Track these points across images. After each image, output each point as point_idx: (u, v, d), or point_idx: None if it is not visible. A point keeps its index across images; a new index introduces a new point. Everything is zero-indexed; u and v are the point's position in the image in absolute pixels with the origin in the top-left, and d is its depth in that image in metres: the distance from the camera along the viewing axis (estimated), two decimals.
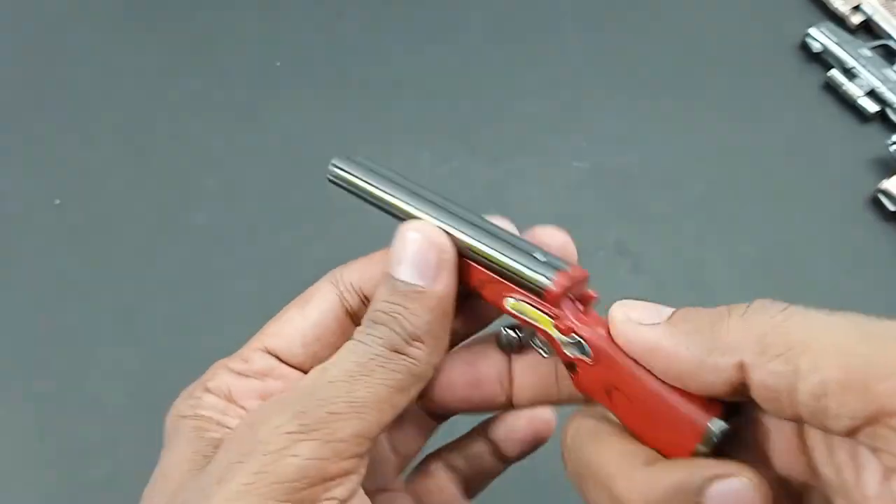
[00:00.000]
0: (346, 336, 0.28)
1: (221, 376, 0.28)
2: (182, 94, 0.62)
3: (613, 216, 0.57)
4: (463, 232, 0.27)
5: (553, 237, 0.28)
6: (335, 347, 0.27)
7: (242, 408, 0.27)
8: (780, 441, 0.23)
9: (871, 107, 0.61)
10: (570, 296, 0.26)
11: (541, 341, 0.27)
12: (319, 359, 0.27)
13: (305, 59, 0.64)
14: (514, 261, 0.26)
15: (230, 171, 0.58)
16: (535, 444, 0.33)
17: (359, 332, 0.27)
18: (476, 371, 0.29)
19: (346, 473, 0.24)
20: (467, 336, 0.30)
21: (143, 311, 0.52)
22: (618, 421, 0.25)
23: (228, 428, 0.27)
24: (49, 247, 0.55)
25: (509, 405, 0.29)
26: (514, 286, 0.26)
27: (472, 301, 0.29)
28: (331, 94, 0.62)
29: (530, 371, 0.28)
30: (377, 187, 0.29)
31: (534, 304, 0.26)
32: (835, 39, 0.64)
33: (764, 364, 0.20)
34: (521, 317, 0.26)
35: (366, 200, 0.30)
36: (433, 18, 0.67)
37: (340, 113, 0.61)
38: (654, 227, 0.57)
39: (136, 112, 0.61)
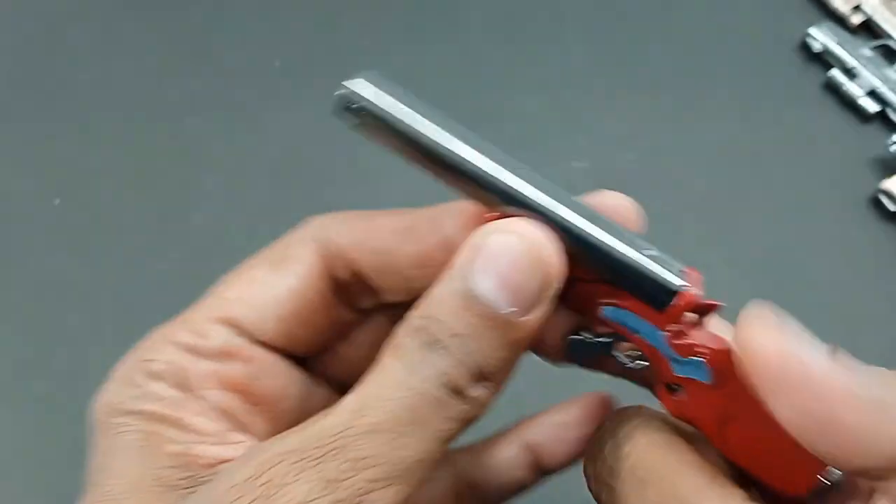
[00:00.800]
0: (328, 316, 0.22)
1: (168, 354, 0.22)
2: (182, 94, 0.62)
3: None
4: (573, 223, 0.20)
5: (621, 208, 0.22)
6: (315, 329, 0.22)
7: (202, 398, 0.21)
8: None
9: (872, 107, 0.61)
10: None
11: (630, 353, 0.22)
12: (295, 340, 0.22)
13: (305, 59, 0.64)
14: (638, 262, 0.21)
15: (230, 171, 0.58)
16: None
17: (406, 352, 0.19)
18: None
19: None
20: None
21: (143, 311, 0.52)
22: (686, 433, 0.21)
23: (193, 434, 0.20)
24: (49, 247, 0.55)
25: None
26: (624, 291, 0.21)
27: None
28: (331, 94, 0.62)
29: None
30: (439, 137, 0.18)
31: (643, 313, 0.20)
32: (835, 39, 0.64)
33: None
34: (621, 327, 0.21)
35: (409, 154, 0.19)
36: (433, 18, 0.67)
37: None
38: (654, 227, 0.57)
39: (136, 112, 0.61)
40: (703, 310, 0.21)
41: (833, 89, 0.63)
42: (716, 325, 0.21)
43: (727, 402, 0.19)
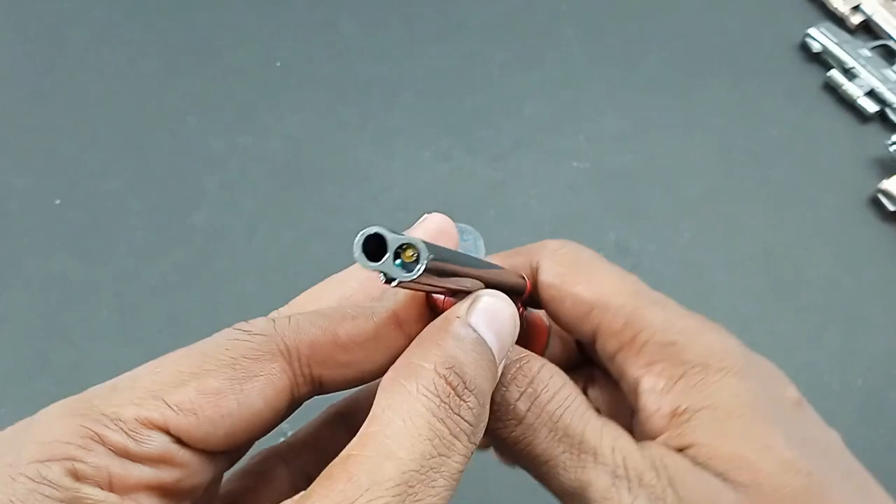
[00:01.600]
0: (273, 426, 0.22)
1: (96, 456, 0.19)
2: (182, 94, 0.62)
3: (613, 216, 0.57)
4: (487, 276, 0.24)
5: (435, 222, 0.26)
6: (256, 437, 0.22)
7: (132, 501, 0.19)
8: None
9: (871, 107, 0.61)
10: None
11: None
12: (233, 447, 0.21)
13: (305, 59, 0.64)
14: (507, 279, 0.26)
15: (230, 171, 0.58)
16: None
17: (431, 391, 0.20)
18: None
19: None
20: None
21: (143, 311, 0.52)
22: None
23: None
24: (49, 247, 0.55)
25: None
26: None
27: None
28: (331, 94, 0.62)
29: None
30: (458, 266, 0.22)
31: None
32: (835, 39, 0.64)
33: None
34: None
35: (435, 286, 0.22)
36: (433, 18, 0.67)
37: (340, 113, 0.61)
38: (654, 227, 0.57)
39: (136, 112, 0.61)
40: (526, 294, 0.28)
41: (832, 89, 0.63)
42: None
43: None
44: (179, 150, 0.59)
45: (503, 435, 0.24)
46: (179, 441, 0.20)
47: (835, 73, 0.63)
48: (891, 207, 0.57)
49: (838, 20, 0.66)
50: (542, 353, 0.28)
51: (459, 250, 0.25)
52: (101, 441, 0.19)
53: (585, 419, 0.24)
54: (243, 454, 0.24)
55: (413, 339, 0.22)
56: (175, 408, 0.20)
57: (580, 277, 0.28)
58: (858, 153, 0.61)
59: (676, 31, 0.67)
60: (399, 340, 0.23)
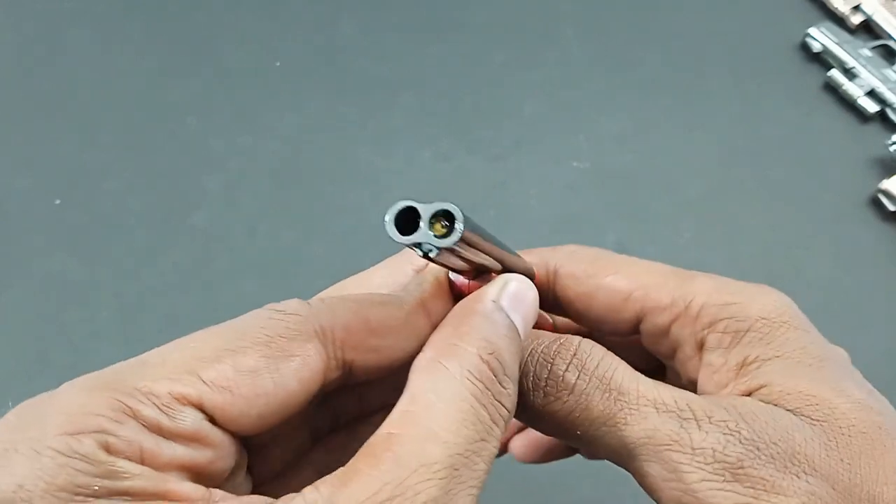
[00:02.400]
0: (306, 415, 0.22)
1: (129, 430, 0.18)
2: (182, 94, 0.62)
3: (613, 216, 0.57)
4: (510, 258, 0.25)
5: None
6: (290, 424, 0.21)
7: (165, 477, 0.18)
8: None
9: (871, 107, 0.61)
10: None
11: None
12: (262, 430, 0.21)
13: (305, 59, 0.64)
14: (521, 263, 0.26)
15: (230, 171, 0.58)
16: None
17: (475, 376, 0.20)
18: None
19: None
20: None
21: (143, 311, 0.52)
22: None
23: None
24: (49, 247, 0.55)
25: None
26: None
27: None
28: (331, 94, 0.62)
29: None
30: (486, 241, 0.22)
31: None
32: (835, 39, 0.64)
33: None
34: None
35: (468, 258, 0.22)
36: (433, 18, 0.67)
37: (340, 113, 0.61)
38: (654, 227, 0.57)
39: (136, 112, 0.61)
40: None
41: (833, 89, 0.63)
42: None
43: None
44: (179, 150, 0.59)
45: (555, 408, 0.24)
46: (212, 420, 0.20)
47: (835, 73, 0.63)
48: (891, 207, 0.57)
49: (838, 20, 0.66)
50: None
51: None
52: (134, 415, 0.18)
53: (637, 378, 0.24)
54: (266, 443, 0.23)
55: (437, 325, 0.23)
56: (210, 384, 0.19)
57: (608, 269, 0.28)
58: (858, 153, 0.60)
59: (676, 31, 0.67)
60: (427, 328, 0.23)
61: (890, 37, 0.65)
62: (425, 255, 0.19)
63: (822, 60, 0.64)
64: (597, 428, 0.23)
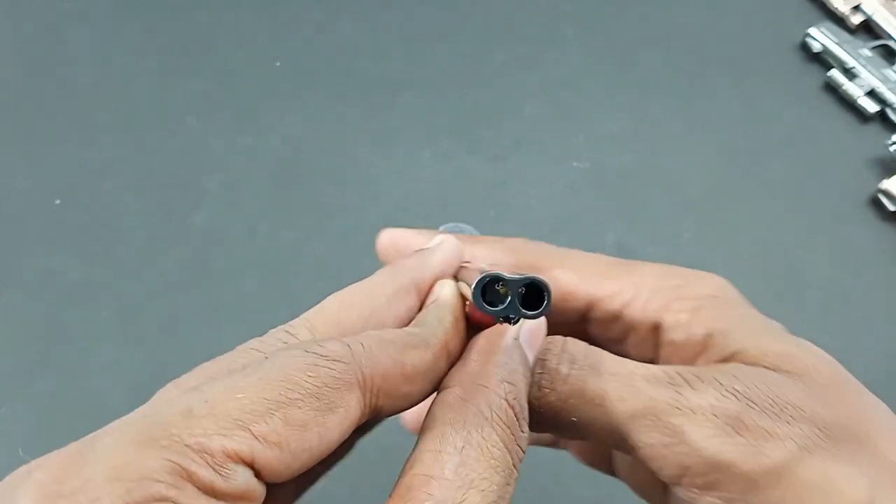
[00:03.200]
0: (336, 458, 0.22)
1: (188, 496, 0.17)
2: (182, 94, 0.62)
3: (613, 216, 0.57)
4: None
5: (452, 250, 0.28)
6: (311, 476, 0.21)
7: None
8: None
9: (871, 107, 0.61)
10: None
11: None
12: (294, 480, 0.20)
13: (305, 59, 0.64)
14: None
15: (230, 171, 0.58)
16: None
17: (503, 421, 0.21)
18: None
19: None
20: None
21: (143, 311, 0.52)
22: None
23: None
24: (49, 247, 0.55)
25: None
26: None
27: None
28: (330, 94, 0.62)
29: None
30: None
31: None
32: (835, 39, 0.64)
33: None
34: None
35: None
36: (433, 18, 0.67)
37: (340, 113, 0.61)
38: (654, 227, 0.57)
39: (136, 112, 0.61)
40: None
41: (833, 89, 0.63)
42: None
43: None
44: (179, 150, 0.59)
45: (550, 399, 0.25)
46: (260, 476, 0.18)
47: (835, 73, 0.63)
48: (891, 207, 0.57)
49: (838, 20, 0.66)
50: None
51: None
52: (189, 478, 0.17)
53: (624, 360, 0.25)
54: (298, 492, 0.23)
55: (455, 362, 0.23)
56: (262, 439, 0.18)
57: (555, 262, 0.29)
58: (858, 153, 0.60)
59: (676, 31, 0.67)
60: (447, 369, 0.24)
61: (890, 37, 0.65)
62: (507, 320, 0.20)
63: (822, 60, 0.64)
64: (592, 410, 0.24)
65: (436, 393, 0.23)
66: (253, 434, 0.18)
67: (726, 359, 0.25)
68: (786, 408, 0.23)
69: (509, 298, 0.20)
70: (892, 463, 0.23)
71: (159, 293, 0.53)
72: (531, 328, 0.24)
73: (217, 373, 0.21)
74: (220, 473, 0.17)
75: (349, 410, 0.20)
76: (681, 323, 0.27)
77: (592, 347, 0.26)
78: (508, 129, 0.61)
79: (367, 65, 0.64)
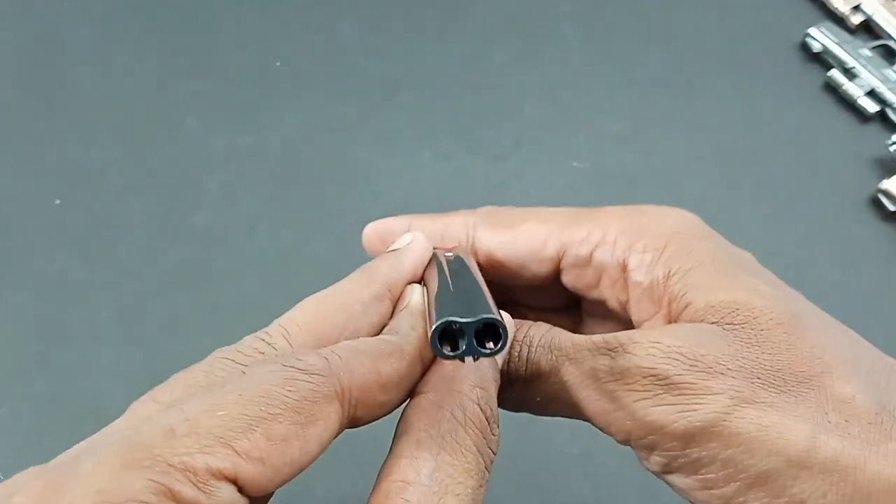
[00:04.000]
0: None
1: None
2: (182, 94, 0.62)
3: None
4: None
5: (421, 251, 0.29)
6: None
7: None
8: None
9: (871, 107, 0.61)
10: None
11: None
12: (271, 493, 0.20)
13: (305, 59, 0.64)
14: None
15: (230, 171, 0.58)
16: None
17: (476, 426, 0.22)
18: None
19: None
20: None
21: (143, 311, 0.52)
22: None
23: None
24: (49, 247, 0.55)
25: None
26: None
27: None
28: (330, 94, 0.62)
29: None
30: None
31: None
32: (835, 39, 0.64)
33: None
34: None
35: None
36: (433, 18, 0.67)
37: (340, 113, 0.61)
38: None
39: (136, 112, 0.61)
40: None
41: (833, 89, 0.63)
42: None
43: None
44: (179, 150, 0.59)
45: (520, 373, 0.26)
46: (243, 492, 0.19)
47: (835, 73, 0.63)
48: (891, 207, 0.57)
49: (838, 20, 0.66)
50: None
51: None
52: (174, 497, 0.17)
53: (572, 335, 0.26)
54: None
55: (428, 367, 0.24)
56: (244, 456, 0.18)
57: (524, 217, 0.30)
58: (858, 153, 0.60)
59: (676, 31, 0.67)
60: (421, 374, 0.24)
61: (890, 37, 0.65)
62: (461, 358, 0.21)
63: (822, 60, 0.64)
64: (549, 387, 0.25)
65: (409, 398, 0.23)
66: (235, 451, 0.18)
67: (677, 315, 0.26)
68: (720, 361, 0.23)
69: (466, 340, 0.20)
70: (841, 399, 0.23)
71: (159, 293, 0.53)
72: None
73: (194, 385, 0.21)
74: (203, 491, 0.17)
75: (329, 422, 0.20)
76: (644, 263, 0.27)
77: (551, 328, 0.26)
78: (508, 129, 0.61)
79: (367, 65, 0.64)
